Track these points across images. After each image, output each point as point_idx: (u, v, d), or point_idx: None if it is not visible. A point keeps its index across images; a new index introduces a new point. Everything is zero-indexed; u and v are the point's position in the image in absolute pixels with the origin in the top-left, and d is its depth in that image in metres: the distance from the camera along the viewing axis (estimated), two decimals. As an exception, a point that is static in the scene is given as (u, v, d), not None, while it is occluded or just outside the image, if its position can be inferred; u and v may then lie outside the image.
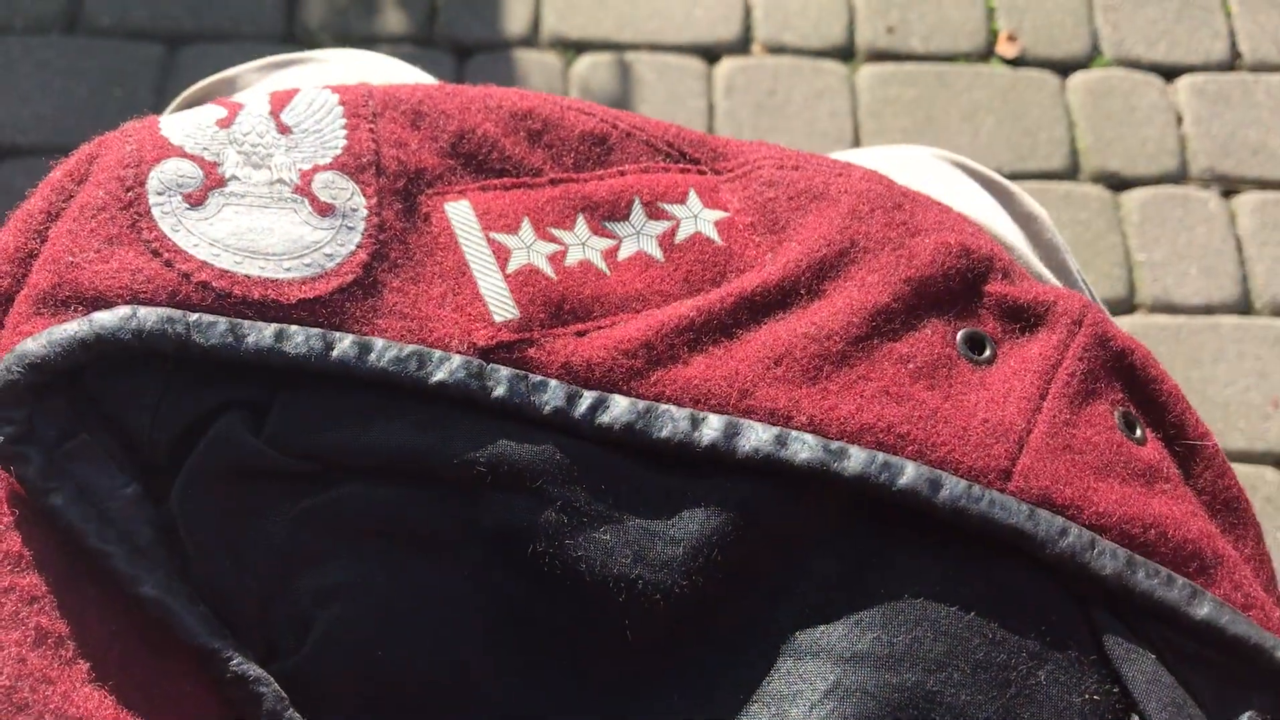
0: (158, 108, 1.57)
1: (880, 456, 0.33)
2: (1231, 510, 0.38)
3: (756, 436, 0.33)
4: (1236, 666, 0.34)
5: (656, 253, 0.37)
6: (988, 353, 0.36)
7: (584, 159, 0.38)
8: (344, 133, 0.35)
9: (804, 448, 0.33)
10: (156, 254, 0.32)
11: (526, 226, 0.36)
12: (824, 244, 0.37)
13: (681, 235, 0.38)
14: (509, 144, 0.37)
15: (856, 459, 0.33)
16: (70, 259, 0.32)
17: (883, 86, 1.57)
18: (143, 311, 0.31)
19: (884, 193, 0.38)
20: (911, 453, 0.34)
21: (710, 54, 1.59)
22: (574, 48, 1.62)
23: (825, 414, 0.34)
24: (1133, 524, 0.35)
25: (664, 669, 0.32)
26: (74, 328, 0.31)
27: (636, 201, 0.38)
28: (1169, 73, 1.62)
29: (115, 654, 0.31)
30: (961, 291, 0.37)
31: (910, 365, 0.35)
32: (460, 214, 0.36)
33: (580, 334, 0.35)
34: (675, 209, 0.38)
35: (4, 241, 0.33)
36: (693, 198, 0.38)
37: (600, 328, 0.35)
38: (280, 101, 0.35)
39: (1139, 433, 0.37)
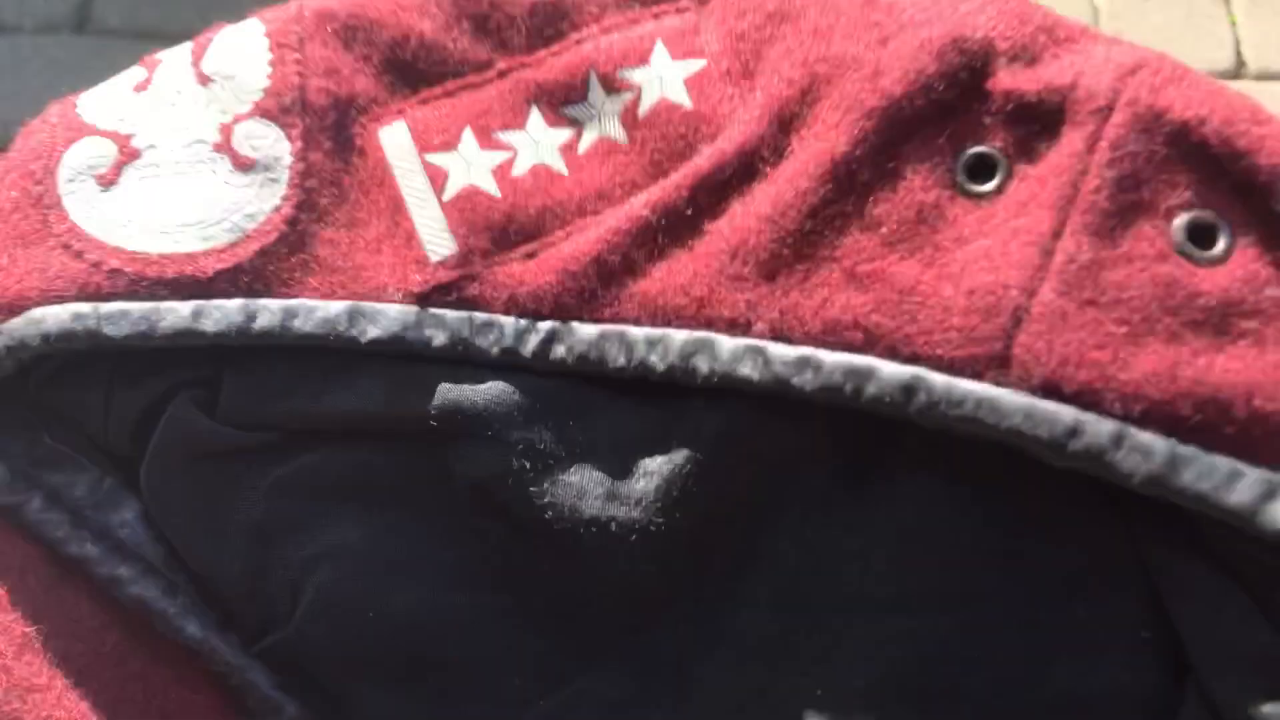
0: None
1: (845, 361, 0.28)
2: None
3: (713, 355, 0.30)
4: None
5: (620, 134, 0.33)
6: (996, 180, 0.28)
7: (538, 35, 0.33)
8: (267, 70, 0.33)
9: (761, 363, 0.29)
10: (67, 247, 0.31)
11: (468, 138, 0.33)
12: (784, 85, 0.31)
13: (645, 105, 0.33)
14: (450, 41, 0.34)
15: (823, 369, 0.28)
16: None
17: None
18: (51, 311, 0.30)
19: None
20: (882, 350, 0.28)
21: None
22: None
23: (785, 316, 0.29)
24: (1181, 400, 0.26)
25: (656, 615, 0.30)
26: None
27: (592, 75, 0.33)
28: (1174, 80, 1.63)
29: (111, 645, 0.31)
30: (958, 101, 0.29)
31: (884, 229, 0.29)
32: (395, 139, 0.33)
33: (530, 255, 0.32)
34: (636, 74, 0.32)
35: None
36: (659, 53, 0.32)
37: (552, 244, 0.32)
38: (202, 47, 0.34)
39: (1217, 247, 0.27)
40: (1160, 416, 0.26)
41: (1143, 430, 0.26)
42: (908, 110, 0.29)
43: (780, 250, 0.30)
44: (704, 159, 0.31)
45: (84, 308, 0.30)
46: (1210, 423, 0.26)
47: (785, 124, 0.31)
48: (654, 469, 0.30)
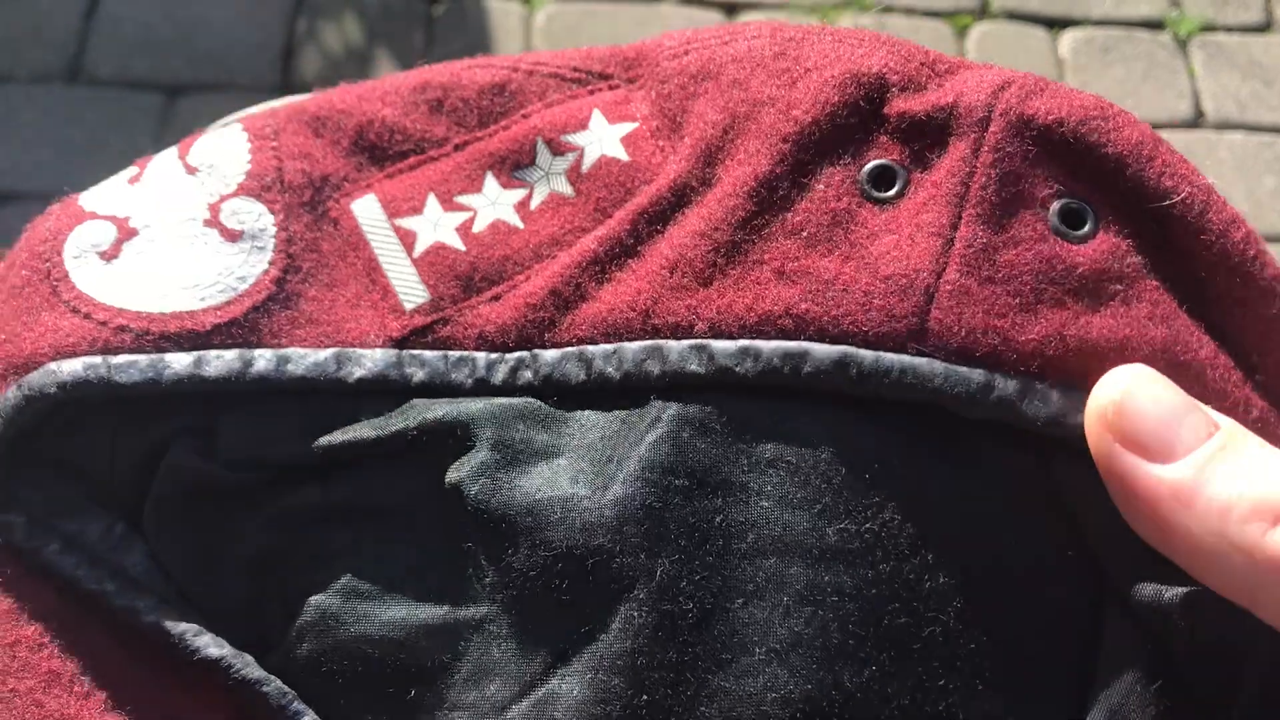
0: (155, 155, 1.60)
1: (780, 347, 0.32)
2: (1237, 274, 0.32)
3: (662, 358, 0.33)
4: None
5: (567, 189, 0.36)
6: (896, 187, 0.32)
7: (487, 114, 0.37)
8: (247, 158, 0.36)
9: (706, 358, 0.33)
10: (76, 310, 0.33)
11: (432, 203, 0.36)
12: (709, 126, 0.34)
13: (588, 163, 0.36)
14: (410, 123, 0.37)
15: (761, 356, 0.32)
16: (2, 337, 0.34)
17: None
18: (65, 364, 0.33)
19: (766, 45, 0.35)
20: (813, 334, 0.32)
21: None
22: (561, 101, 1.67)
23: (723, 315, 0.33)
24: (1069, 357, 0.31)
25: (628, 609, 0.32)
26: (5, 396, 0.33)
27: (539, 142, 0.37)
28: (1136, 130, 1.67)
29: (132, 678, 0.33)
30: (859, 125, 0.33)
31: (805, 233, 0.33)
32: (366, 209, 0.36)
33: (495, 299, 0.35)
34: (578, 137, 0.36)
35: None
36: (596, 120, 0.37)
37: (514, 286, 0.35)
38: (187, 146, 0.37)
39: (1085, 227, 0.32)
40: (1054, 369, 0.31)
41: (1040, 382, 0.31)
42: (817, 134, 0.33)
43: (714, 259, 0.33)
44: (642, 196, 0.35)
45: (95, 359, 0.33)
46: (1093, 370, 0.31)
47: (711, 158, 0.34)
48: (623, 457, 0.33)
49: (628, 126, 0.36)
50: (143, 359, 0.33)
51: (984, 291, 0.31)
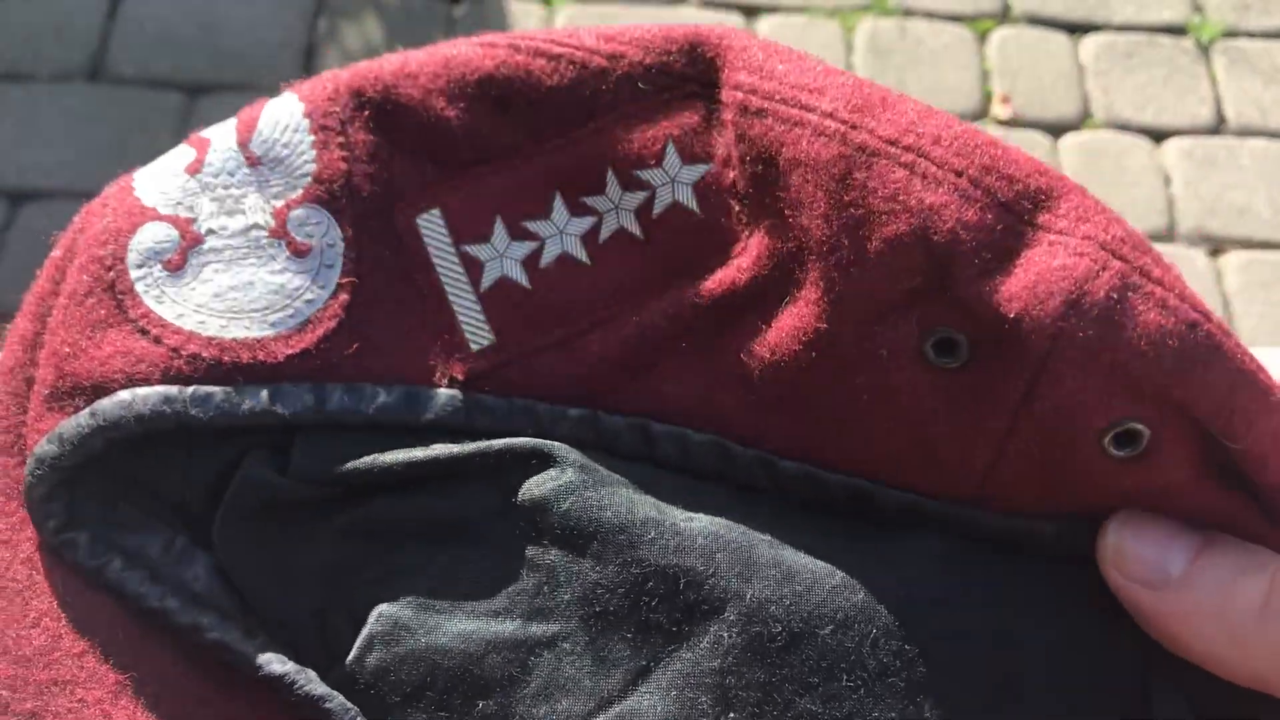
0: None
1: (850, 483, 0.34)
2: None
3: (726, 458, 0.35)
4: None
5: (636, 229, 0.36)
6: (960, 358, 0.31)
7: (557, 118, 0.36)
8: (313, 154, 0.35)
9: (769, 476, 0.34)
10: (145, 332, 0.33)
11: (499, 229, 0.36)
12: (779, 239, 0.33)
13: (659, 207, 0.35)
14: (475, 123, 0.36)
15: (827, 485, 0.34)
16: (66, 350, 0.33)
17: (878, 144, 1.61)
18: (140, 393, 0.32)
19: (836, 153, 0.32)
20: (881, 481, 0.34)
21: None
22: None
23: (790, 443, 0.34)
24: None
25: (703, 626, 0.32)
26: (78, 422, 0.33)
27: (610, 172, 0.36)
28: (1157, 135, 1.67)
29: (196, 692, 0.33)
30: (923, 294, 0.31)
31: (865, 397, 0.33)
32: (431, 228, 0.36)
33: (559, 346, 0.35)
34: (651, 175, 0.35)
35: (22, 328, 0.35)
36: (670, 155, 0.35)
37: (581, 337, 0.35)
38: (247, 127, 0.35)
39: (1140, 446, 0.31)
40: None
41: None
42: (878, 298, 0.32)
43: (780, 393, 0.34)
44: (715, 282, 0.35)
45: (172, 391, 0.33)
46: None
47: (784, 271, 0.33)
48: (700, 513, 0.34)
49: (701, 168, 0.35)
50: (218, 392, 0.33)
51: (1031, 488, 0.32)
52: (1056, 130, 1.66)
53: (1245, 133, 1.67)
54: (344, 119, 0.35)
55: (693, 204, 0.35)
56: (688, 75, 0.35)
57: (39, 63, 1.68)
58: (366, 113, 0.36)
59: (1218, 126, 1.68)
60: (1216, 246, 1.57)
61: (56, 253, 0.35)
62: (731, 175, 0.35)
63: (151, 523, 0.34)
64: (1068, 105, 1.68)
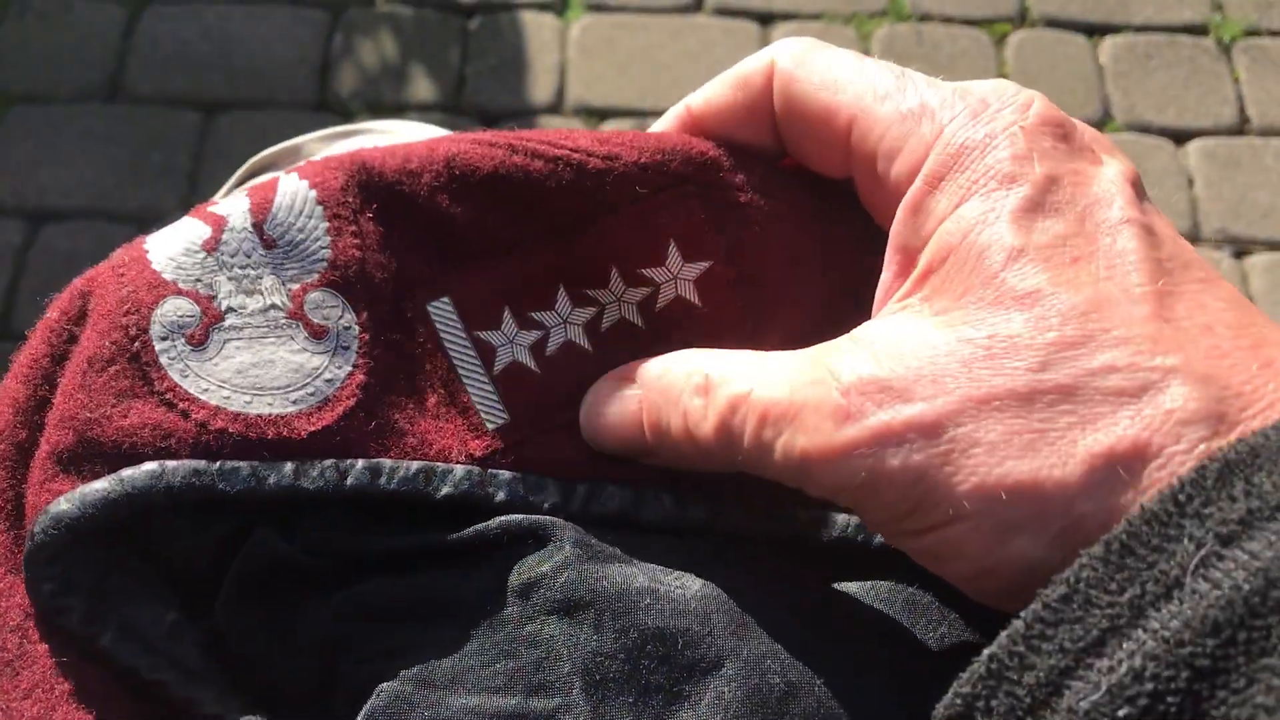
0: (195, 173, 1.62)
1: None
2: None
3: (730, 513, 0.36)
4: None
5: (639, 320, 0.38)
6: None
7: (559, 218, 0.38)
8: (327, 240, 0.36)
9: (767, 527, 0.37)
10: (171, 405, 0.34)
11: (508, 318, 0.38)
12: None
13: (662, 301, 0.38)
14: (480, 221, 0.38)
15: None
16: (88, 415, 0.33)
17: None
18: (170, 467, 0.33)
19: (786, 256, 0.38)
20: None
21: (728, 120, 1.63)
22: (598, 115, 1.67)
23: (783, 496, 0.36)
24: None
25: (713, 664, 0.33)
26: (104, 486, 0.32)
27: (613, 270, 0.38)
28: (1179, 137, 1.65)
29: None
30: None
31: None
32: (443, 315, 0.37)
33: (567, 425, 0.37)
34: (654, 273, 0.38)
35: (13, 391, 0.35)
36: (672, 254, 0.38)
37: None
38: (261, 209, 0.36)
39: None
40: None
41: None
42: None
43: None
44: None
45: (200, 464, 0.33)
46: None
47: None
48: (692, 582, 0.34)
49: (702, 265, 0.38)
50: (244, 467, 0.33)
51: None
52: (1077, 133, 1.65)
53: (1269, 132, 1.65)
54: (355, 209, 0.37)
55: (695, 298, 0.38)
56: (684, 175, 0.38)
57: (57, 84, 1.69)
58: (375, 205, 0.37)
59: (1241, 127, 1.66)
60: (1241, 248, 1.55)
61: (52, 314, 0.35)
62: (731, 273, 0.38)
63: (144, 594, 0.34)
64: (1088, 108, 1.67)
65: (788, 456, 0.30)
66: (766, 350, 0.36)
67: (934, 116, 0.32)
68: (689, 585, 0.34)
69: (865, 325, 0.31)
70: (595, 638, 0.33)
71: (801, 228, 0.38)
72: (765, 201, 0.38)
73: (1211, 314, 0.28)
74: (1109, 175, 0.31)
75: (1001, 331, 0.28)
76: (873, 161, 0.34)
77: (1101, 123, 1.66)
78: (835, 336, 0.33)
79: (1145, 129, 1.66)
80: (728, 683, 0.32)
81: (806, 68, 0.36)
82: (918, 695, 0.32)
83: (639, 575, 0.34)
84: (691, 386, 0.33)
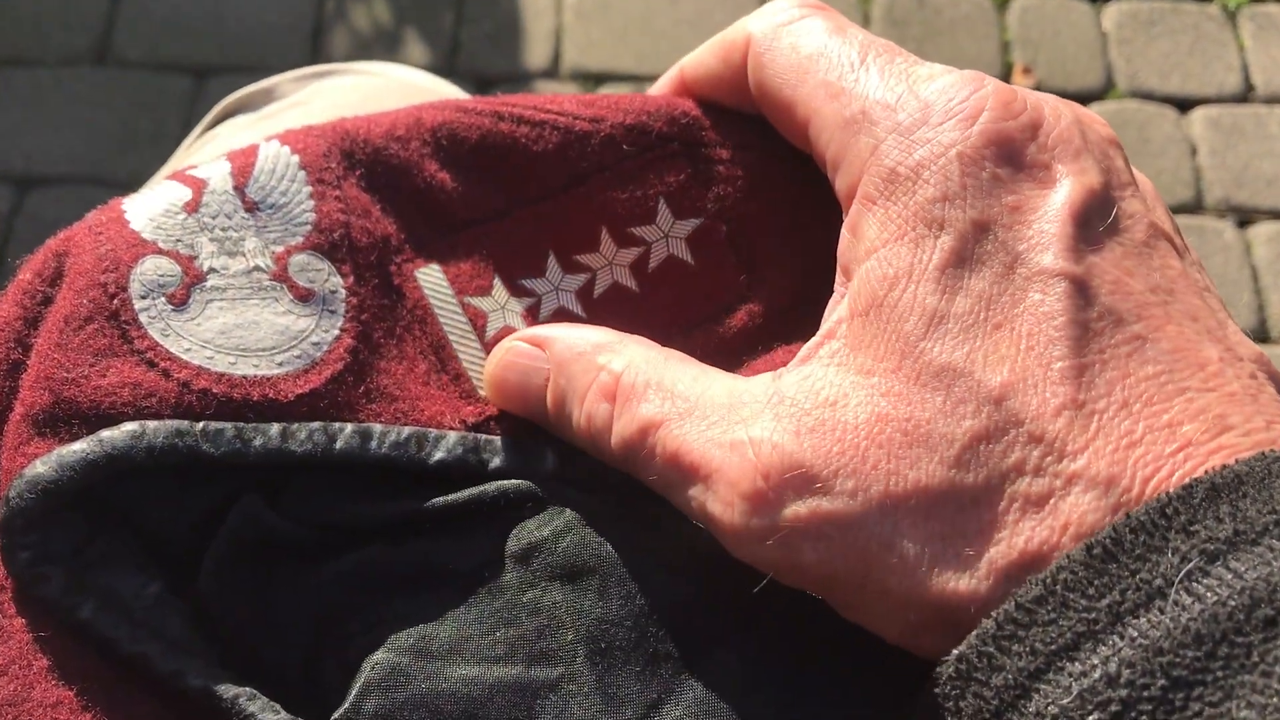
0: (185, 139, 1.60)
1: None
2: None
3: None
4: None
5: (631, 284, 0.38)
6: None
7: (546, 182, 0.38)
8: (311, 204, 0.36)
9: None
10: (152, 364, 0.33)
11: (498, 285, 0.37)
12: (779, 292, 0.37)
13: (654, 261, 0.38)
14: (468, 188, 0.37)
15: None
16: (65, 375, 0.32)
17: (898, 118, 1.59)
18: (151, 427, 0.31)
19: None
20: None
21: (727, 86, 1.62)
22: (594, 80, 1.65)
23: None
24: None
25: (722, 635, 0.33)
26: (83, 448, 0.31)
27: (604, 231, 0.38)
28: (1183, 104, 1.64)
29: None
30: None
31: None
32: (432, 281, 0.37)
33: None
34: (644, 231, 0.38)
35: None
36: (662, 211, 0.38)
37: None
38: (242, 172, 0.36)
39: None
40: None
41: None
42: None
43: None
44: (725, 327, 0.38)
45: (183, 425, 0.32)
46: None
47: (784, 325, 0.37)
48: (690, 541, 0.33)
49: (693, 222, 0.38)
50: (229, 429, 0.32)
51: None
52: (1079, 101, 1.62)
53: (1274, 100, 1.64)
54: (339, 175, 0.36)
55: (687, 256, 0.38)
56: (669, 135, 0.38)
57: (45, 47, 1.67)
58: (359, 171, 0.37)
59: (1245, 94, 1.65)
60: (1245, 217, 1.54)
61: (25, 275, 0.34)
62: (726, 230, 0.38)
63: (125, 563, 0.33)
64: (1090, 75, 1.65)
65: (699, 512, 0.30)
66: (759, 307, 0.37)
67: (872, 129, 0.31)
68: (698, 550, 0.33)
69: (793, 372, 0.31)
70: (600, 604, 0.32)
71: (789, 187, 0.38)
72: (753, 160, 0.38)
73: (1133, 387, 0.27)
74: (1054, 206, 0.29)
75: (918, 416, 0.28)
76: (824, 164, 0.33)
77: (1104, 90, 1.65)
78: (825, 296, 0.33)
79: (1148, 96, 1.64)
80: (738, 655, 0.32)
81: (773, 52, 0.35)
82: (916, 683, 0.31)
83: (644, 539, 0.33)
84: (598, 386, 0.33)
